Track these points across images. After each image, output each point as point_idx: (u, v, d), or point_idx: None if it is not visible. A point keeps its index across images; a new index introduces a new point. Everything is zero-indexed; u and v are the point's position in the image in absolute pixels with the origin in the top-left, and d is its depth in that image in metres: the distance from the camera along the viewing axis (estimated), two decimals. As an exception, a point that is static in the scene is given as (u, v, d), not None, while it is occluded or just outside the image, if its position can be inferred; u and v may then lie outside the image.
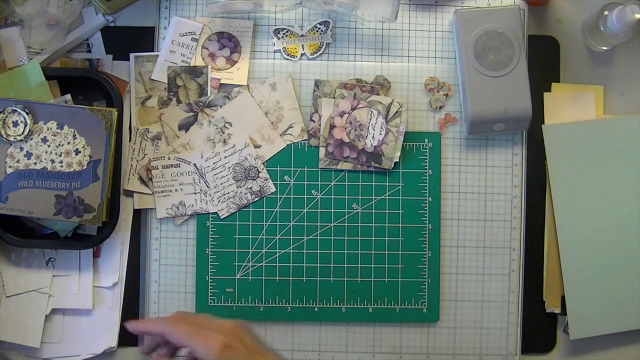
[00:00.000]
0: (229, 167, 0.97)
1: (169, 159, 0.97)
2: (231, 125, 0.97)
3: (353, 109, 0.97)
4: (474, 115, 0.94)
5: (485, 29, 0.95)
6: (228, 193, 0.97)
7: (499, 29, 0.95)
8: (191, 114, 0.97)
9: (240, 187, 0.97)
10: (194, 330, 0.77)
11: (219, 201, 0.97)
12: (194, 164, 0.97)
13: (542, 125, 0.98)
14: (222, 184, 0.97)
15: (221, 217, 0.97)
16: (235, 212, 0.97)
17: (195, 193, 0.97)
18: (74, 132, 0.92)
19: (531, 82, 0.95)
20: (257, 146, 0.97)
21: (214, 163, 0.97)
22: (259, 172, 0.97)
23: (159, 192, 0.97)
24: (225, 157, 0.97)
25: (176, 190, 0.97)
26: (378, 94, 0.97)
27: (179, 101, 0.97)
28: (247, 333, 0.78)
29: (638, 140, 0.98)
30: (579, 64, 1.01)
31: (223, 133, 0.97)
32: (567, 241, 0.97)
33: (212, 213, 0.97)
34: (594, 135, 0.98)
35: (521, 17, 0.97)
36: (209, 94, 0.97)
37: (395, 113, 0.96)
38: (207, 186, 0.97)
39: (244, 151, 0.97)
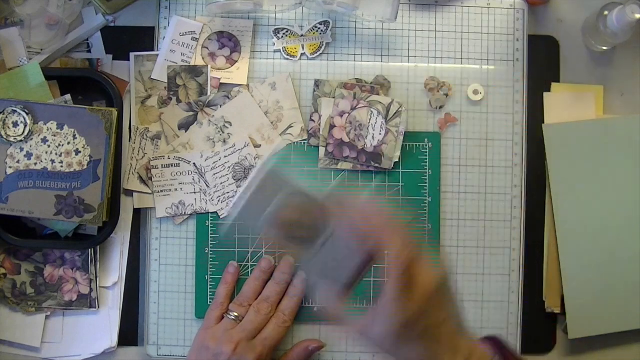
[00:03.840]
0: (229, 167, 0.97)
1: (169, 158, 0.97)
2: (231, 125, 0.97)
3: (353, 109, 0.96)
4: None
5: (486, 28, 0.95)
6: (228, 193, 0.97)
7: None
8: (191, 113, 0.97)
9: (240, 186, 0.97)
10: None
11: (218, 201, 0.97)
12: (194, 164, 0.97)
13: (542, 125, 0.98)
14: (222, 183, 0.97)
15: (221, 217, 0.97)
16: (235, 212, 0.97)
17: (195, 192, 0.97)
18: (74, 132, 0.92)
19: (531, 82, 0.95)
20: (257, 146, 0.97)
21: (213, 162, 0.97)
22: (259, 172, 0.97)
23: (158, 192, 0.97)
24: (225, 157, 0.97)
25: (176, 189, 0.97)
26: (378, 94, 0.97)
27: (179, 101, 0.97)
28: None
29: (638, 140, 0.98)
30: (579, 64, 1.00)
31: (223, 133, 0.97)
32: (567, 241, 0.97)
33: (211, 213, 0.97)
34: (594, 135, 0.98)
35: (521, 17, 0.97)
36: (209, 94, 0.97)
37: (395, 113, 0.96)
38: (207, 186, 0.97)
39: (244, 151, 0.97)
